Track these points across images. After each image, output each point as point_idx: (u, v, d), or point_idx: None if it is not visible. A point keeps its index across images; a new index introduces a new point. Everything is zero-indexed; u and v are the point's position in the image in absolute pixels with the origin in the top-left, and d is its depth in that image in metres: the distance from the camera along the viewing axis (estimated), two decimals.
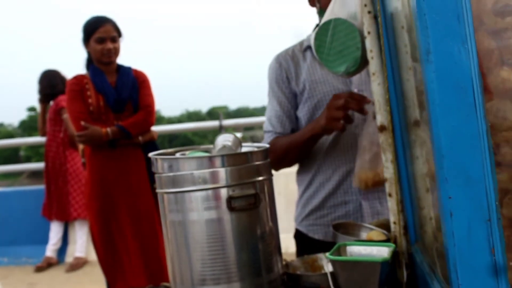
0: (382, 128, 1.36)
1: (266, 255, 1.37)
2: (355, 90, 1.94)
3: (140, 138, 3.57)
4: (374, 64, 1.36)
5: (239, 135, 1.49)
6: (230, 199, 1.31)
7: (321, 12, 1.90)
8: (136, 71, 3.70)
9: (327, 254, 1.24)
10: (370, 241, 1.34)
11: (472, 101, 0.71)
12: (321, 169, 2.01)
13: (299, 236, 2.12)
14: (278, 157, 2.00)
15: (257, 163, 1.39)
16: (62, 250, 5.96)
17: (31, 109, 40.43)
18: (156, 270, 3.52)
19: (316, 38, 1.58)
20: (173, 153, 1.52)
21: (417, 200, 1.32)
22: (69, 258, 5.87)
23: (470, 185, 0.72)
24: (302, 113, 2.01)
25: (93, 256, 5.15)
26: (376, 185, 1.73)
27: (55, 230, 5.87)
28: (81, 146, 5.93)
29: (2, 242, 6.16)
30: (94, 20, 3.53)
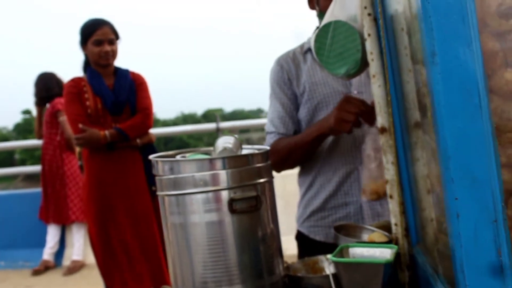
0: (382, 130, 1.36)
1: (267, 257, 1.37)
2: (355, 92, 1.95)
3: (138, 140, 3.56)
4: (374, 66, 1.36)
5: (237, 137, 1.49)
6: (231, 201, 1.31)
7: (320, 15, 1.90)
8: (133, 74, 3.69)
9: (330, 255, 1.24)
10: (372, 243, 1.34)
11: (477, 102, 0.72)
12: (322, 171, 2.01)
13: (300, 237, 2.13)
14: (281, 158, 2.00)
15: (258, 165, 1.39)
16: (59, 253, 5.94)
17: (26, 112, 40.34)
18: (156, 272, 3.52)
19: (316, 41, 1.58)
20: (173, 156, 1.52)
21: (418, 201, 1.32)
22: (66, 262, 5.85)
23: (476, 186, 0.73)
24: (302, 114, 2.02)
25: (90, 259, 5.14)
26: None
27: (52, 233, 5.85)
28: (78, 149, 5.91)
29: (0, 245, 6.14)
30: (92, 23, 3.53)
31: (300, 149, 1.96)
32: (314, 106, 1.98)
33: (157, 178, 1.41)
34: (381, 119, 1.35)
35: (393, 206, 1.35)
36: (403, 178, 1.35)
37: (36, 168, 6.86)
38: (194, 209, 1.33)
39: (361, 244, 1.32)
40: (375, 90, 1.36)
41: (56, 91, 5.76)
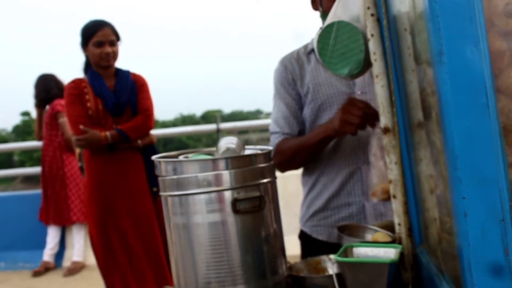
0: (386, 130, 1.36)
1: (271, 258, 1.37)
2: (359, 93, 1.95)
3: (139, 141, 3.56)
4: (377, 66, 1.36)
5: None
6: (235, 202, 1.31)
7: (323, 16, 1.91)
8: (134, 75, 3.70)
9: (335, 255, 1.24)
10: (376, 243, 1.34)
11: (484, 101, 0.72)
12: (325, 171, 2.02)
13: (303, 237, 2.14)
14: (286, 159, 2.01)
15: (261, 165, 1.39)
16: (59, 254, 5.93)
17: (25, 114, 40.29)
18: (158, 273, 3.51)
19: (319, 41, 1.58)
20: (176, 156, 1.52)
21: (421, 201, 1.32)
22: (66, 263, 5.84)
23: (484, 185, 0.73)
24: (306, 115, 2.02)
25: (90, 260, 5.14)
26: None
27: (52, 235, 5.84)
28: (78, 150, 5.91)
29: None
30: (93, 24, 3.53)
31: (305, 150, 1.97)
32: (318, 106, 1.99)
33: (160, 178, 1.41)
34: (385, 119, 1.36)
35: (396, 206, 1.35)
36: (407, 178, 1.35)
37: (35, 169, 6.85)
38: (197, 209, 1.33)
39: (365, 244, 1.32)
40: (378, 90, 1.36)
41: (56, 92, 5.76)
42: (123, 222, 3.51)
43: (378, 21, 1.36)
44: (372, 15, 1.36)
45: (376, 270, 1.14)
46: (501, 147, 0.73)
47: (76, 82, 3.55)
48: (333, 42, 1.55)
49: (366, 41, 1.44)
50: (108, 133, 3.42)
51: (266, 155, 1.43)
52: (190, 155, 1.53)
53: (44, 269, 5.72)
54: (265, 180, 1.38)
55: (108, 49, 3.49)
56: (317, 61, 2.01)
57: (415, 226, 1.35)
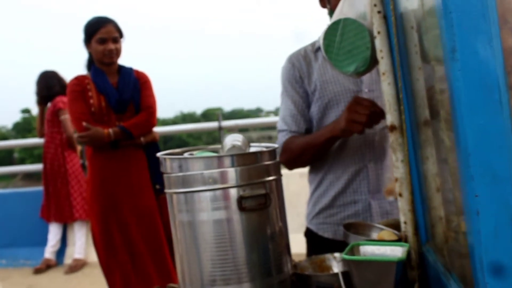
0: (392, 128, 1.35)
1: (276, 255, 1.37)
2: (366, 90, 1.95)
3: (142, 139, 3.55)
4: (384, 64, 1.36)
5: None
6: (240, 199, 1.31)
7: (331, 13, 1.90)
8: (137, 72, 3.68)
9: (343, 253, 1.23)
10: (383, 241, 1.34)
11: (497, 98, 0.71)
12: (331, 169, 2.02)
13: (309, 234, 2.14)
14: (293, 156, 2.02)
15: (267, 163, 1.38)
16: (61, 251, 5.94)
17: (25, 111, 40.33)
18: (162, 270, 3.51)
19: (325, 38, 1.57)
20: (181, 153, 1.52)
21: (427, 199, 1.32)
22: (68, 260, 5.84)
23: (497, 183, 0.72)
24: (313, 112, 2.02)
25: (92, 257, 5.14)
26: None
27: (54, 232, 5.84)
28: (79, 147, 5.91)
29: (0, 244, 6.13)
30: (96, 21, 3.52)
31: (312, 149, 1.97)
32: (325, 104, 1.99)
33: (165, 175, 1.41)
34: (391, 117, 1.35)
35: (402, 204, 1.34)
36: (413, 176, 1.35)
37: (36, 166, 6.84)
38: (203, 206, 1.33)
39: (372, 242, 1.32)
40: (385, 87, 1.36)
41: (58, 89, 5.76)
42: (126, 219, 3.50)
43: (385, 18, 1.36)
44: (378, 12, 1.36)
45: (383, 269, 1.14)
46: None
47: (79, 79, 3.54)
48: (339, 39, 1.54)
49: (372, 39, 1.44)
50: (111, 130, 3.41)
51: (272, 153, 1.42)
52: (195, 152, 1.53)
53: (46, 266, 5.73)
54: (270, 178, 1.38)
55: (111, 46, 3.48)
56: (325, 59, 2.00)
57: (421, 225, 1.34)
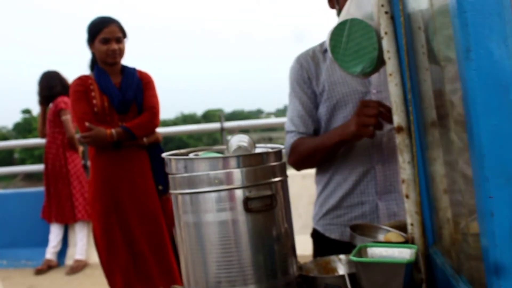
0: (399, 129, 1.35)
1: (282, 257, 1.36)
2: (374, 91, 1.95)
3: (145, 139, 3.55)
4: (391, 65, 1.35)
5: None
6: (246, 200, 1.30)
7: (340, 14, 1.90)
8: (140, 72, 3.68)
9: (350, 256, 1.23)
10: (390, 243, 1.33)
11: None
12: (339, 170, 2.02)
13: (316, 235, 2.14)
14: (302, 158, 2.02)
15: (273, 163, 1.38)
16: (62, 252, 5.93)
17: (26, 111, 40.39)
18: (166, 272, 3.49)
19: (331, 39, 1.56)
20: (186, 154, 1.51)
21: (434, 201, 1.31)
22: (69, 261, 5.83)
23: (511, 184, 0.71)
24: (321, 113, 2.02)
25: (93, 258, 5.13)
26: None
27: (55, 233, 5.83)
28: (81, 148, 5.90)
29: (1, 244, 6.12)
30: (99, 21, 3.51)
31: (321, 152, 1.97)
32: (333, 105, 1.98)
33: (170, 176, 1.40)
34: (398, 118, 1.34)
35: (409, 206, 1.33)
36: (420, 177, 1.34)
37: (36, 167, 6.84)
38: (208, 207, 1.32)
39: (379, 244, 1.31)
40: (392, 88, 1.35)
41: (59, 89, 5.75)
42: (128, 220, 3.49)
43: (392, 18, 1.35)
44: (386, 12, 1.35)
45: (392, 271, 1.13)
46: None
47: (82, 79, 3.53)
48: (346, 39, 1.53)
49: (379, 39, 1.43)
50: (113, 131, 3.41)
51: (277, 154, 1.42)
52: (200, 153, 1.52)
53: (47, 267, 5.72)
54: (276, 179, 1.37)
55: (115, 46, 3.47)
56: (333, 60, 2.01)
57: (428, 226, 1.33)
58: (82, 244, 5.74)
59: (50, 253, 5.81)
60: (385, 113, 1.71)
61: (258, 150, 1.44)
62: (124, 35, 3.55)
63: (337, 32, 1.55)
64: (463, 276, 1.04)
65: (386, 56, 1.36)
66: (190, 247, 1.36)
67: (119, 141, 3.45)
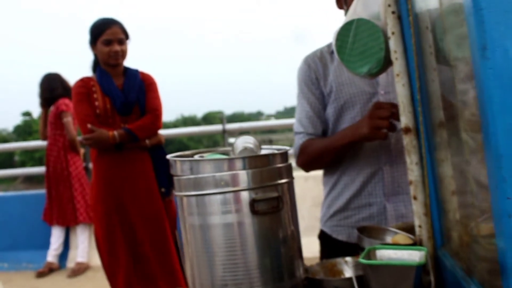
0: (406, 130, 1.33)
1: (288, 259, 1.35)
2: (382, 92, 1.94)
3: (147, 141, 3.53)
4: (398, 65, 1.34)
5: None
6: (253, 202, 1.29)
7: None
8: (143, 74, 3.66)
9: (359, 258, 1.21)
10: (399, 245, 1.31)
11: None
12: (346, 171, 2.01)
13: (323, 237, 2.13)
14: (311, 159, 2.02)
15: (279, 165, 1.36)
16: (63, 255, 5.91)
17: (26, 114, 40.35)
18: (168, 274, 3.47)
19: (337, 39, 1.55)
20: (191, 156, 1.50)
21: (443, 203, 1.29)
22: (70, 263, 5.82)
23: None
24: (329, 114, 2.02)
25: (95, 261, 5.12)
26: None
27: (56, 235, 5.82)
28: (82, 150, 5.89)
29: (2, 247, 6.11)
30: (101, 22, 3.49)
31: (330, 153, 1.97)
32: (341, 106, 1.98)
33: (175, 178, 1.39)
34: (405, 119, 1.33)
35: (417, 208, 1.32)
36: (428, 179, 1.32)
37: (37, 169, 6.83)
38: (214, 210, 1.30)
39: (388, 246, 1.29)
40: (399, 89, 1.34)
41: (60, 92, 5.74)
42: (131, 222, 3.47)
43: (399, 18, 1.33)
44: (393, 12, 1.34)
45: (402, 273, 1.11)
46: None
47: (84, 81, 3.52)
48: (352, 40, 1.52)
49: (386, 39, 1.41)
50: (116, 132, 3.39)
51: (283, 155, 1.41)
52: (205, 154, 1.50)
53: (48, 270, 5.70)
54: (283, 181, 1.36)
55: (117, 47, 3.46)
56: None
57: (437, 228, 1.32)
58: (84, 246, 5.72)
59: (51, 255, 5.79)
60: (397, 114, 1.70)
61: (263, 152, 1.43)
62: (126, 36, 3.54)
63: (343, 32, 1.54)
64: (475, 278, 1.03)
65: (393, 56, 1.34)
66: (195, 250, 1.35)
67: (121, 143, 3.43)
